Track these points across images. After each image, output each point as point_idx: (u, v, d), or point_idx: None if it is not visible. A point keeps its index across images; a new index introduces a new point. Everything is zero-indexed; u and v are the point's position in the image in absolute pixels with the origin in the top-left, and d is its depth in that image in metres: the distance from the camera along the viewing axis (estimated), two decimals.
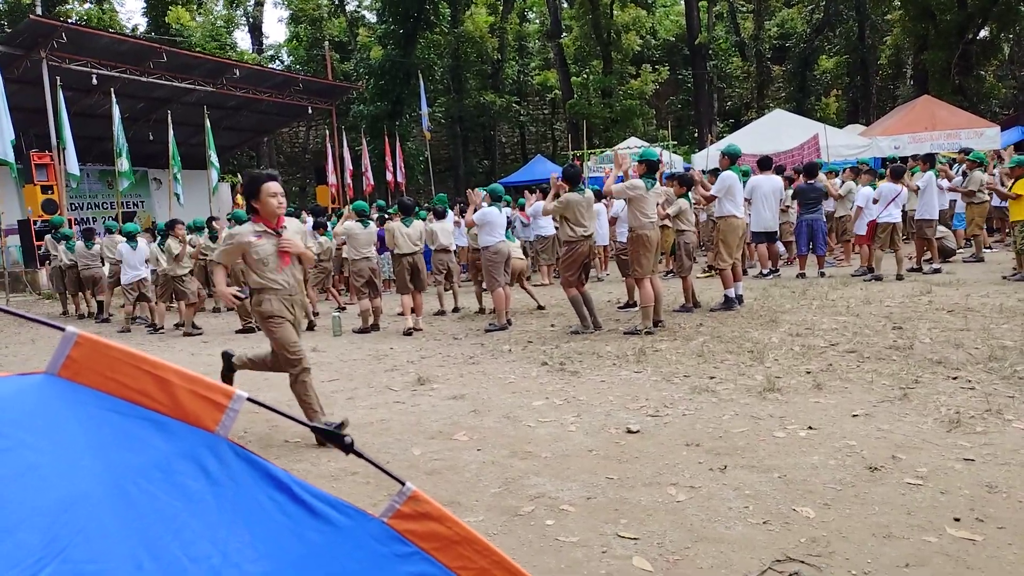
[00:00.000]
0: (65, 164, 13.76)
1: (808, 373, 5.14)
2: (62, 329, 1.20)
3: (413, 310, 8.67)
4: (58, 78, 13.86)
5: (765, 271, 10.68)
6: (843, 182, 11.86)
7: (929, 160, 10.59)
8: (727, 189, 8.07)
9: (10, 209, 15.57)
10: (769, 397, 4.64)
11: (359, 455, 1.29)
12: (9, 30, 21.88)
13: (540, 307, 9.39)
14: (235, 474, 1.23)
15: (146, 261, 10.35)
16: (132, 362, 1.21)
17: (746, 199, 9.98)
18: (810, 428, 4.02)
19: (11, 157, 12.14)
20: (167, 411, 1.21)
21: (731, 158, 8.23)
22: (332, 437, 1.28)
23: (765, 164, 10.13)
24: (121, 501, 1.14)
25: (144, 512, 1.15)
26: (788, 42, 30.94)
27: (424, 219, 9.70)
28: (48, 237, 12.57)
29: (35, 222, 14.96)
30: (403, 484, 1.31)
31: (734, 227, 8.17)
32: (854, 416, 4.18)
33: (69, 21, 25.40)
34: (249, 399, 1.24)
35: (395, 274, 8.81)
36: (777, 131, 17.13)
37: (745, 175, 9.41)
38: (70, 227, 13.23)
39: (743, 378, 5.16)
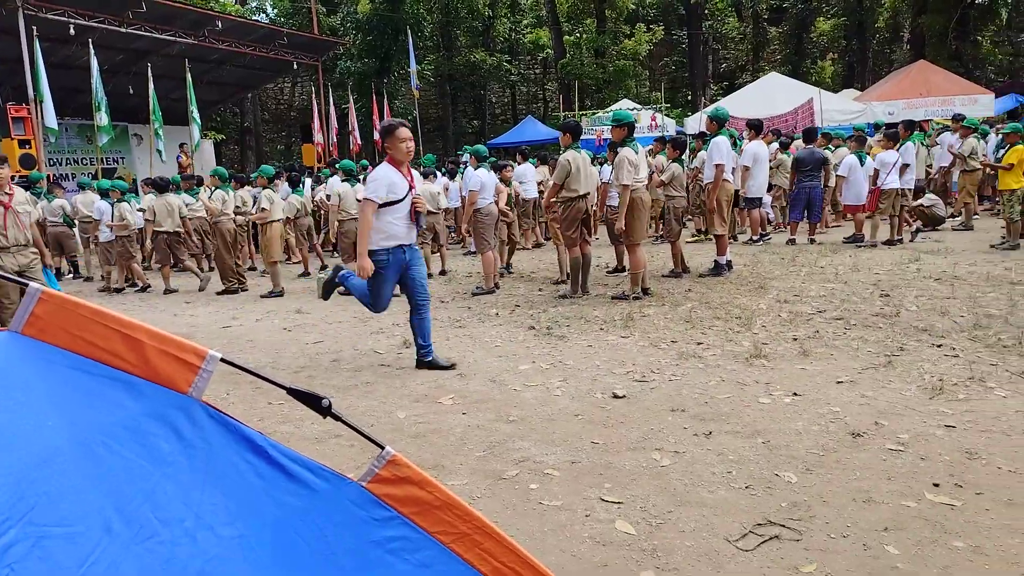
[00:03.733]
0: (43, 118, 13.40)
1: (795, 340, 5.16)
2: (25, 285, 1.15)
3: None
4: (34, 28, 13.39)
5: (755, 237, 10.66)
6: (833, 149, 11.80)
7: (911, 127, 10.53)
8: (722, 155, 7.93)
9: None
10: (755, 363, 4.65)
11: (337, 418, 1.26)
12: None
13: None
14: (209, 436, 1.19)
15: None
16: (101, 320, 1.16)
17: (746, 166, 9.88)
18: (795, 394, 4.04)
19: None
20: (137, 371, 1.17)
21: (719, 122, 8.10)
22: (309, 399, 1.24)
23: (758, 128, 10.03)
24: (89, 462, 1.10)
25: (113, 474, 1.11)
26: (785, 3, 30.46)
27: None
28: (28, 194, 12.32)
29: (13, 177, 14.62)
30: (383, 448, 1.28)
31: (727, 192, 8.10)
32: (839, 383, 4.20)
33: None
34: (223, 360, 1.20)
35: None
36: (771, 95, 16.96)
37: (732, 139, 9.26)
38: (49, 182, 12.96)
39: (730, 344, 5.17)
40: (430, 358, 5.05)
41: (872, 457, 3.18)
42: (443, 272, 9.74)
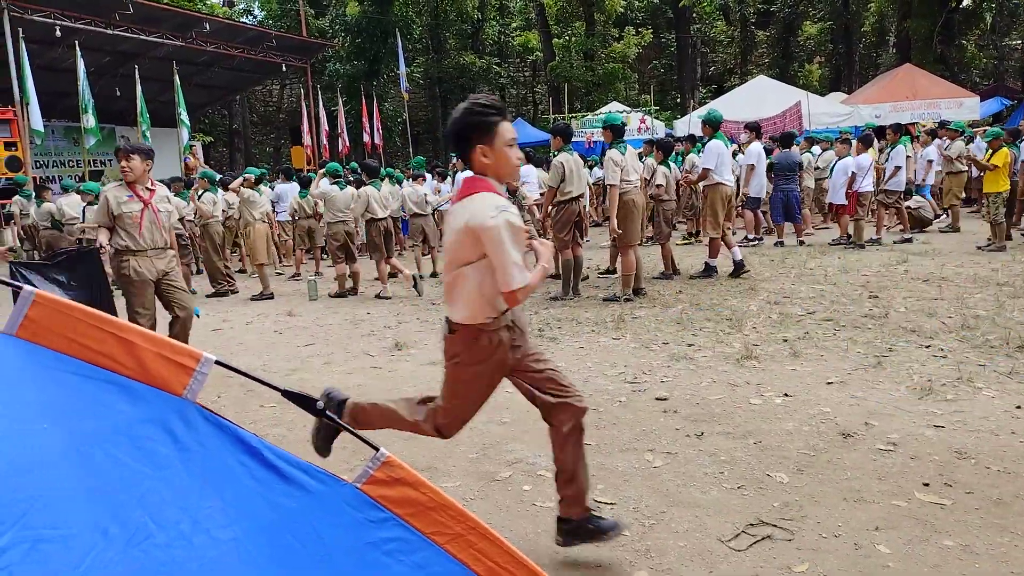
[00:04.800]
0: (29, 120, 13.31)
1: (785, 341, 5.19)
2: (19, 288, 1.14)
3: (392, 274, 8.61)
4: (20, 30, 13.31)
5: (751, 237, 10.70)
6: (820, 152, 11.90)
7: (899, 130, 10.62)
8: (717, 158, 7.91)
9: None
10: (746, 364, 4.67)
11: (331, 420, 1.26)
12: None
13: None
14: (204, 439, 1.19)
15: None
16: (95, 323, 1.15)
17: (751, 165, 9.89)
18: (786, 395, 4.06)
19: None
20: (132, 374, 1.16)
21: (713, 126, 8.12)
22: (303, 401, 1.24)
23: (758, 130, 10.07)
24: (83, 466, 1.09)
25: (108, 477, 1.11)
26: (773, 6, 30.67)
27: (400, 181, 9.57)
28: (18, 196, 12.23)
29: (10, 179, 14.52)
30: (377, 450, 1.28)
31: (724, 195, 8.00)
32: (829, 383, 4.23)
33: None
34: (218, 362, 1.19)
35: (368, 238, 8.68)
36: (759, 97, 17.07)
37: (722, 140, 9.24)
38: (35, 185, 12.86)
39: (721, 345, 5.19)
40: None
41: (862, 457, 3.20)
42: (434, 274, 9.73)
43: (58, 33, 14.56)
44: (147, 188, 4.90)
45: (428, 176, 11.95)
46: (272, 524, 1.22)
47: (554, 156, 7.27)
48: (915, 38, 22.45)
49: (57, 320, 1.12)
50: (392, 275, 8.70)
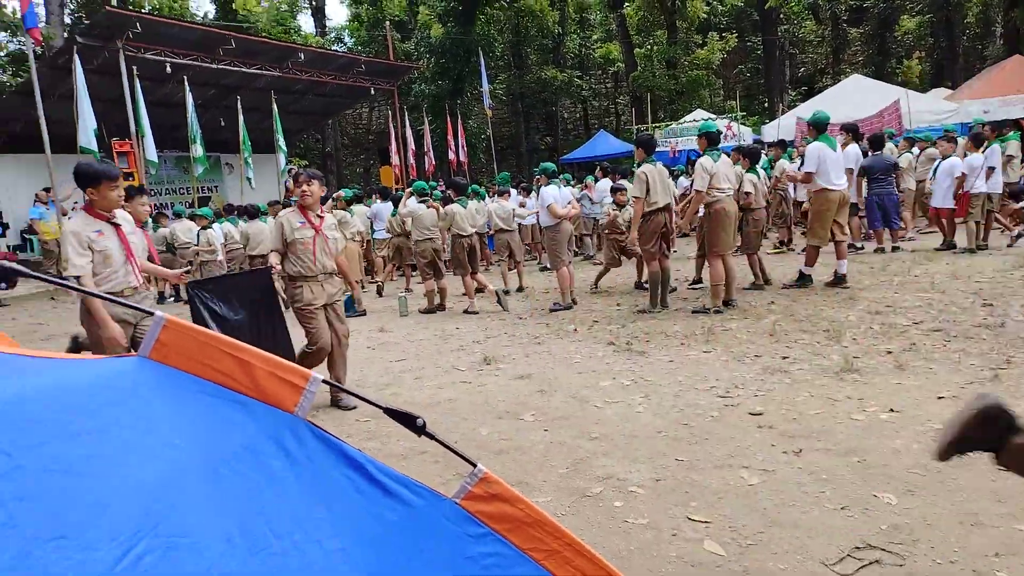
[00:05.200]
0: (144, 151, 14.35)
1: (889, 353, 4.93)
2: (151, 314, 1.25)
3: (479, 290, 8.75)
4: (135, 68, 14.41)
5: (858, 244, 10.23)
6: (920, 151, 11.25)
7: (997, 129, 9.90)
8: (818, 162, 7.43)
9: None
10: (847, 378, 4.47)
11: (431, 437, 1.30)
12: (87, 22, 22.87)
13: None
14: (313, 454, 1.26)
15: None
16: (216, 345, 1.25)
17: (849, 168, 9.27)
18: (891, 411, 3.86)
19: (94, 146, 12.74)
20: (250, 392, 1.25)
21: (818, 127, 7.64)
22: (404, 419, 1.29)
23: (855, 131, 9.59)
24: (212, 479, 1.18)
25: (232, 490, 1.19)
26: (866, 2, 29.33)
27: (484, 197, 9.72)
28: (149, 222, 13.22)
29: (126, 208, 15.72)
30: (474, 465, 1.32)
31: (829, 201, 7.49)
32: (939, 398, 3.99)
33: (143, 11, 26.37)
34: (324, 381, 1.26)
35: (453, 254, 8.87)
36: (854, 98, 16.33)
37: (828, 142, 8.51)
38: (151, 212, 13.83)
39: (818, 358, 4.99)
40: None
41: (979, 477, 3.00)
42: (520, 289, 9.82)
43: (168, 70, 15.65)
44: (318, 215, 4.93)
45: (513, 191, 12.09)
46: (376, 536, 1.28)
47: (637, 167, 7.20)
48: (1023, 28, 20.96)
49: (184, 342, 1.22)
50: (479, 290, 8.83)
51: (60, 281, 1.43)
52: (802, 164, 9.60)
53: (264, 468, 1.20)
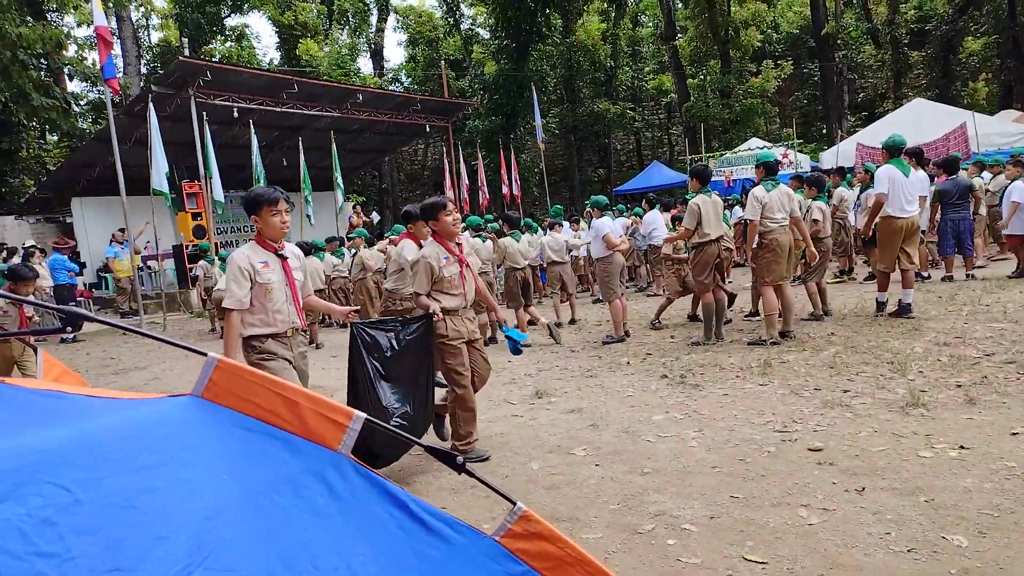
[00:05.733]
0: (212, 192, 15.01)
1: (959, 386, 4.71)
2: (204, 355, 1.32)
3: (531, 322, 8.77)
4: (204, 113, 15.18)
5: (924, 273, 9.87)
6: (992, 176, 10.82)
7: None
8: (890, 185, 7.07)
9: (166, 235, 17.19)
10: (913, 412, 4.29)
11: (471, 475, 1.32)
12: (161, 71, 24.24)
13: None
14: (356, 490, 1.29)
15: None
16: (265, 385, 1.30)
17: (923, 196, 8.85)
18: (961, 447, 3.68)
19: (166, 188, 13.42)
20: (296, 430, 1.30)
21: (891, 151, 7.28)
22: (444, 457, 1.31)
23: (920, 157, 9.28)
24: (257, 513, 1.23)
25: (277, 524, 1.23)
26: (928, 25, 28.60)
27: (536, 230, 9.80)
28: (202, 261, 13.78)
29: (187, 246, 16.45)
30: (514, 504, 1.32)
31: (894, 228, 7.18)
32: (1013, 434, 3.78)
33: (214, 60, 27.80)
34: (368, 420, 1.30)
35: (506, 287, 8.94)
36: (917, 122, 15.85)
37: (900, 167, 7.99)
38: (216, 251, 14.41)
39: (882, 391, 4.81)
40: None
41: None
42: (572, 321, 9.79)
43: (236, 114, 16.43)
44: (457, 243, 4.60)
45: (565, 224, 12.13)
46: (418, 573, 1.29)
47: (691, 198, 7.15)
48: None
49: (235, 382, 1.28)
50: (531, 323, 8.85)
51: (122, 325, 1.51)
52: (862, 191, 9.34)
53: (308, 503, 1.24)
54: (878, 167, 7.48)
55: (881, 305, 7.49)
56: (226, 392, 1.27)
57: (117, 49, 25.45)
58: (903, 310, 7.23)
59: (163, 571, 1.09)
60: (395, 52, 63.82)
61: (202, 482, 1.20)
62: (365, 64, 37.48)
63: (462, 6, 35.76)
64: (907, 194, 7.13)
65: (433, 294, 4.43)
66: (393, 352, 4.13)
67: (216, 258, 13.40)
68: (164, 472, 1.18)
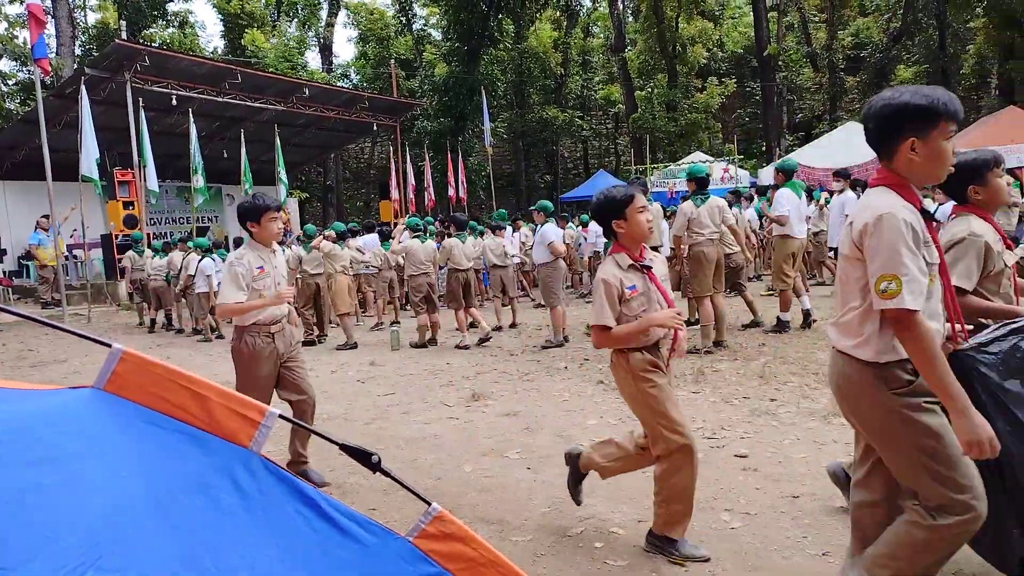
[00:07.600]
0: (145, 181, 14.47)
1: None
2: (108, 345, 1.25)
3: (472, 324, 8.74)
4: (140, 99, 14.62)
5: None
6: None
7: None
8: (787, 207, 7.50)
9: (95, 224, 16.38)
10: (834, 422, 4.45)
11: (386, 474, 1.30)
12: (96, 54, 23.27)
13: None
14: (266, 488, 1.25)
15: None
16: (172, 378, 1.25)
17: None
18: None
19: (96, 174, 12.83)
20: (204, 426, 1.24)
21: (786, 174, 7.78)
22: (359, 455, 1.29)
23: (849, 178, 9.69)
24: (159, 512, 1.17)
25: (180, 523, 1.18)
26: (863, 52, 29.90)
27: (482, 233, 9.79)
28: (130, 251, 13.23)
29: (117, 236, 15.77)
30: (429, 504, 1.31)
31: (792, 247, 7.59)
32: None
33: (153, 45, 26.84)
34: (281, 416, 1.26)
35: (448, 288, 8.89)
36: (851, 144, 16.52)
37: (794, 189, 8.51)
38: (149, 242, 13.89)
39: (807, 401, 4.97)
40: None
41: None
42: (513, 325, 9.81)
43: (174, 102, 15.89)
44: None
45: (508, 228, 12.16)
46: (327, 574, 1.26)
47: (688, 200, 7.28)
48: (1019, 79, 21.33)
49: (140, 375, 1.22)
50: (471, 325, 8.83)
51: (28, 315, 1.44)
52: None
53: (214, 501, 1.19)
54: (778, 187, 7.82)
55: (783, 324, 7.61)
56: (131, 385, 1.21)
57: (51, 29, 24.33)
58: (787, 325, 7.59)
59: (51, 571, 1.03)
60: (345, 48, 63.03)
61: (99, 479, 1.14)
62: (313, 58, 36.82)
63: (415, 6, 35.54)
64: (799, 216, 7.65)
65: None
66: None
67: (148, 249, 12.93)
68: (56, 468, 1.11)
